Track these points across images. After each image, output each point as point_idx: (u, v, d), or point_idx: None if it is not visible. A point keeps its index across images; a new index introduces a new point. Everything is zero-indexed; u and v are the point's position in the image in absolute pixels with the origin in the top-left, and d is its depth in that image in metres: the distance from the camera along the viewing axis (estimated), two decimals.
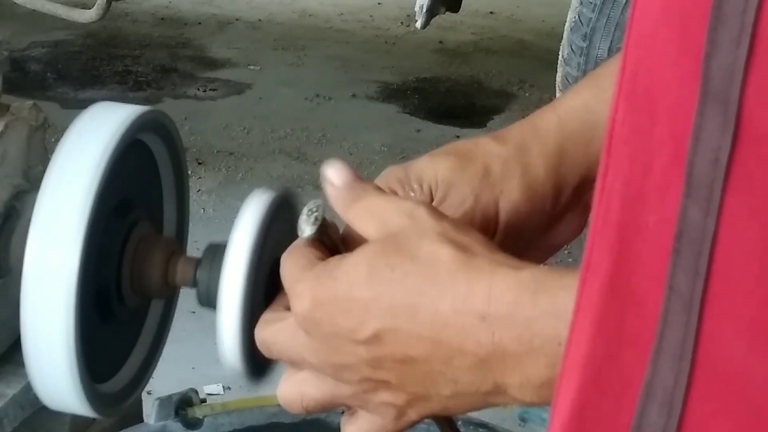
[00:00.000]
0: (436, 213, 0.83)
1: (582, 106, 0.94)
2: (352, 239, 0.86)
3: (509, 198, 0.92)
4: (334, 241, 0.88)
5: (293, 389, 0.85)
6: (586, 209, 0.96)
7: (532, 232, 0.93)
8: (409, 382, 0.80)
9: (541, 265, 0.78)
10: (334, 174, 0.87)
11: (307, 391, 0.84)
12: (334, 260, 0.83)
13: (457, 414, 0.85)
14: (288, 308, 0.86)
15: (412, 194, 0.91)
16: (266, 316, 0.87)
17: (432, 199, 0.91)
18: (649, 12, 0.56)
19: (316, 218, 0.87)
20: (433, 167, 0.92)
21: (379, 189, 0.87)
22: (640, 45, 0.57)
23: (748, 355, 0.52)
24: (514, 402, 0.79)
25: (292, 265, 0.84)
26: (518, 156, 0.93)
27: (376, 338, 0.79)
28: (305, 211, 0.88)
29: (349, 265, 0.81)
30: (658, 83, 0.55)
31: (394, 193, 0.91)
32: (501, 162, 0.92)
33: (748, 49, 0.50)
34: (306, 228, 0.87)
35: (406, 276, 0.79)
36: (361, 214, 0.85)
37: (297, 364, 0.84)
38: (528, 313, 0.75)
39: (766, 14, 0.50)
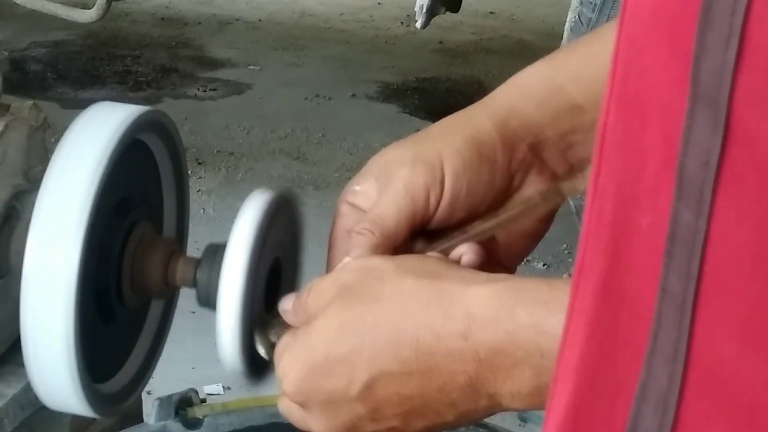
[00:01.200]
0: (390, 256, 0.84)
1: (533, 72, 0.94)
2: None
3: (452, 145, 0.90)
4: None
5: None
6: (552, 177, 0.95)
7: (489, 185, 0.92)
8: (414, 421, 0.80)
9: (513, 277, 0.79)
10: (283, 303, 0.88)
11: None
12: (302, 329, 0.83)
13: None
14: None
15: (357, 187, 0.92)
16: (279, 399, 0.88)
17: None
18: (638, 14, 0.56)
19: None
20: (373, 161, 0.93)
21: (320, 277, 0.88)
22: (631, 47, 0.57)
23: (740, 355, 0.52)
24: (508, 410, 0.79)
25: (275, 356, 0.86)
26: (459, 116, 0.93)
27: (368, 389, 0.79)
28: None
29: (319, 328, 0.81)
30: (648, 85, 0.55)
31: (343, 202, 0.92)
32: (440, 124, 0.92)
33: (736, 51, 0.50)
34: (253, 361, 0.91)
35: (378, 319, 0.79)
36: (316, 298, 0.85)
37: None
38: (508, 327, 0.76)
39: (755, 16, 0.50)
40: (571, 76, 0.91)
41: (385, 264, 0.82)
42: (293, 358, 0.82)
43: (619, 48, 0.58)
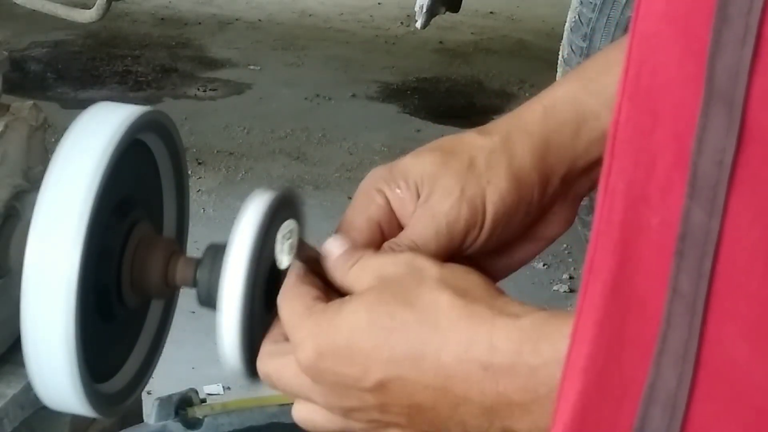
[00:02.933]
0: (436, 260, 0.83)
1: (568, 96, 0.94)
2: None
3: (496, 187, 0.91)
4: (311, 257, 0.88)
5: (306, 417, 0.86)
6: (575, 200, 0.96)
7: (521, 222, 0.93)
8: (420, 423, 0.80)
9: (540, 311, 0.78)
10: (332, 244, 0.88)
11: (318, 421, 0.85)
12: (334, 306, 0.82)
13: None
14: (287, 338, 0.86)
15: (398, 191, 0.91)
16: (267, 348, 0.87)
17: (418, 196, 0.91)
18: (652, 12, 0.56)
19: (290, 246, 0.88)
20: (418, 163, 0.92)
21: (374, 251, 0.88)
22: (644, 45, 0.56)
23: (751, 357, 0.51)
24: None
25: (290, 311, 0.85)
26: (503, 147, 0.92)
27: (381, 386, 0.79)
28: (278, 239, 0.88)
29: (349, 312, 0.81)
30: (661, 84, 0.55)
31: (381, 191, 0.91)
32: (486, 153, 0.92)
33: (753, 49, 0.50)
34: (284, 259, 0.88)
35: (406, 325, 0.79)
36: (359, 274, 0.85)
37: (304, 400, 0.85)
38: (531, 362, 0.75)
39: None
40: (607, 101, 0.91)
41: (431, 270, 0.82)
42: (316, 332, 0.81)
43: (632, 46, 0.57)
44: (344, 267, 0.86)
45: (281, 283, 0.94)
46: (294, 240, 0.88)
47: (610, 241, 0.57)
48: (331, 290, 0.87)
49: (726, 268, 0.52)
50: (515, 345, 0.75)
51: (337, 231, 0.91)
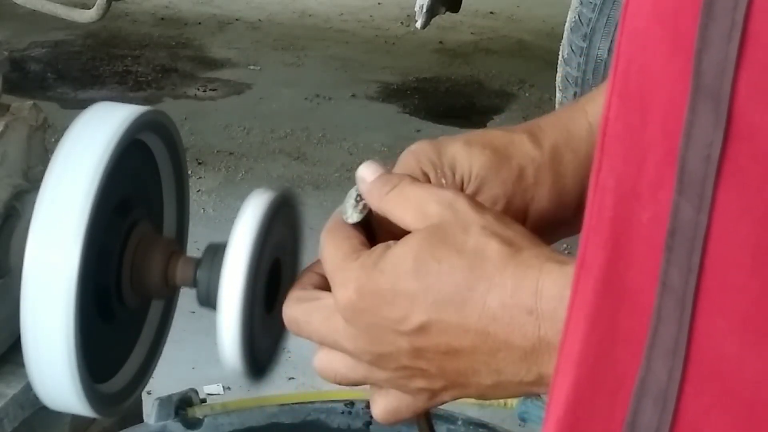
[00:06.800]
0: (477, 204, 0.83)
1: (583, 123, 0.94)
2: (387, 231, 0.85)
3: (538, 205, 0.92)
4: (374, 229, 0.87)
5: (327, 366, 0.85)
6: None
7: (551, 239, 0.93)
8: (450, 372, 0.80)
9: None
10: (366, 170, 0.86)
11: (340, 370, 0.84)
12: (379, 249, 0.82)
13: (493, 398, 0.85)
14: (316, 286, 0.86)
15: (443, 181, 0.90)
16: (297, 294, 0.87)
17: (463, 191, 0.90)
18: (641, 9, 0.56)
19: (364, 205, 0.86)
20: (469, 159, 0.91)
21: (414, 178, 0.86)
22: (633, 42, 0.57)
23: (740, 350, 0.52)
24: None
25: (335, 250, 0.83)
26: (552, 163, 0.92)
27: (421, 330, 0.79)
28: (353, 195, 0.86)
29: (395, 256, 0.80)
30: (650, 80, 0.55)
31: (425, 174, 0.89)
32: (535, 167, 0.92)
33: (738, 45, 0.50)
34: (353, 214, 0.86)
35: (454, 269, 0.78)
36: (398, 201, 0.84)
37: (329, 346, 0.84)
38: None
39: (757, 10, 0.50)
40: None
41: (474, 215, 0.81)
42: (360, 274, 0.81)
43: (621, 42, 0.58)
44: (381, 191, 0.84)
45: (281, 284, 0.94)
46: (365, 203, 0.86)
47: (601, 237, 0.58)
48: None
49: (715, 263, 0.52)
50: (560, 289, 0.75)
51: None
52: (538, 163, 0.92)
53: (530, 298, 0.76)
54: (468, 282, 0.78)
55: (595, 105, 0.95)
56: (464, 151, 0.91)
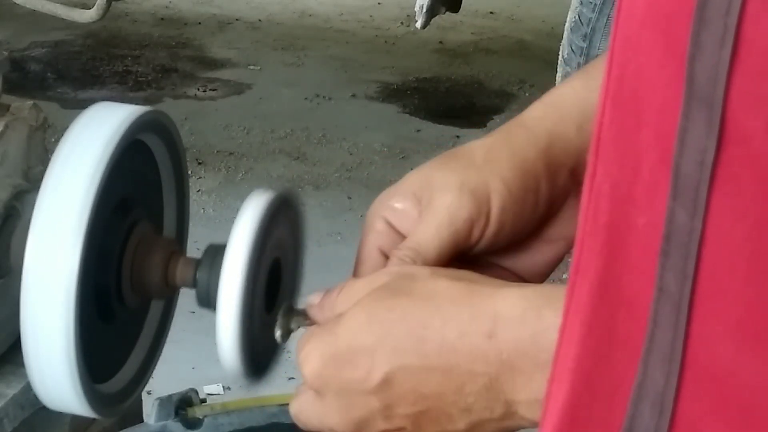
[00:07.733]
0: (426, 266, 0.84)
1: (570, 93, 0.93)
2: None
3: (499, 177, 0.89)
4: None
5: None
6: None
7: (531, 215, 0.92)
8: (425, 424, 0.80)
9: (544, 284, 0.78)
10: (310, 298, 0.88)
11: None
12: (332, 320, 0.83)
13: None
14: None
15: (397, 205, 0.90)
16: (295, 391, 0.88)
17: (420, 205, 0.90)
18: (634, 14, 0.56)
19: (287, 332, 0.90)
20: (414, 174, 0.91)
21: (353, 279, 0.88)
22: (626, 47, 0.57)
23: (736, 355, 0.52)
24: (523, 423, 0.79)
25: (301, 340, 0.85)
26: (503, 141, 0.92)
27: (386, 383, 0.79)
28: (279, 318, 0.90)
29: (348, 318, 0.81)
30: (644, 85, 0.55)
31: (379, 217, 0.90)
32: (484, 149, 0.91)
33: (731, 50, 0.50)
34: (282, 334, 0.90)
35: (406, 313, 0.79)
36: (346, 296, 0.84)
37: (323, 429, 0.85)
38: (534, 328, 0.75)
39: (750, 16, 0.50)
40: None
41: (421, 269, 0.82)
42: (317, 344, 0.82)
43: (615, 47, 0.58)
44: (330, 303, 0.86)
45: (281, 283, 0.94)
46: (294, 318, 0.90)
47: (597, 243, 0.58)
48: None
49: (710, 268, 0.52)
50: (519, 311, 0.75)
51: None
52: (488, 145, 0.92)
53: (488, 322, 0.76)
54: (422, 321, 0.78)
55: (553, 90, 0.95)
56: (409, 173, 0.92)
